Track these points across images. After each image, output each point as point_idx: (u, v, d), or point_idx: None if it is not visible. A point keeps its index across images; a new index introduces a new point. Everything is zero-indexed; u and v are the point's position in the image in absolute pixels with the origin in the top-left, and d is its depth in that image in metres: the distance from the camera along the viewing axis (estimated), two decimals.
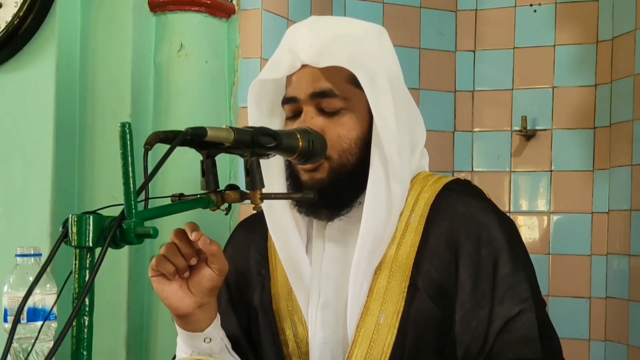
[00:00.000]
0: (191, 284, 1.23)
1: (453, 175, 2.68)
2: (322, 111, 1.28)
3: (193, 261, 1.21)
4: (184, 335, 1.29)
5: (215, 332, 1.30)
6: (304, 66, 1.29)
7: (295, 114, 1.31)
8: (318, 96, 1.27)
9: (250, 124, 1.30)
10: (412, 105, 1.38)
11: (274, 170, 1.34)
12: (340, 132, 1.28)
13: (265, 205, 1.34)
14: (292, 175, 1.33)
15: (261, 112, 1.35)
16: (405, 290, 1.27)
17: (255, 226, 1.45)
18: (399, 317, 1.27)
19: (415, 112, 1.39)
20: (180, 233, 1.20)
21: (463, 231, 1.28)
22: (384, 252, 1.29)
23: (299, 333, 1.34)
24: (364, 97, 1.28)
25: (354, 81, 1.27)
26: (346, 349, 1.29)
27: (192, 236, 1.18)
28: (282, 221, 1.34)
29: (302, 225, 1.36)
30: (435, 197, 1.32)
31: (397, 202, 1.29)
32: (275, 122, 1.36)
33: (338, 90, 1.27)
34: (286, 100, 1.31)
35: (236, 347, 1.38)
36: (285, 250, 1.35)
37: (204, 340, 1.29)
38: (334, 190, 1.28)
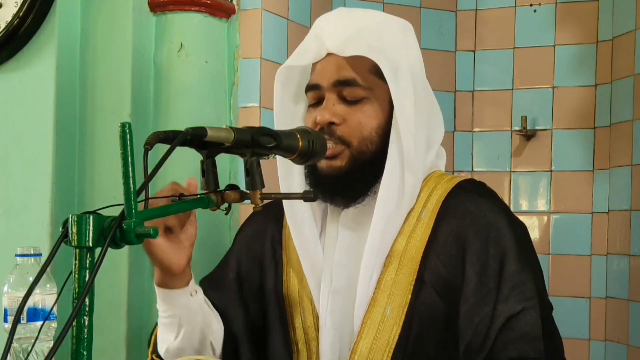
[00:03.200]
0: (184, 237, 1.23)
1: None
2: (344, 99, 1.31)
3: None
4: (170, 295, 1.28)
5: (197, 286, 1.32)
6: (329, 55, 1.32)
7: (318, 102, 1.34)
8: (341, 84, 1.31)
9: (275, 110, 1.37)
10: (433, 103, 1.41)
11: (294, 170, 1.36)
12: (361, 119, 1.30)
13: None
14: (312, 173, 1.35)
15: (287, 97, 1.38)
16: (412, 283, 1.28)
17: (272, 212, 1.47)
18: (405, 309, 1.28)
19: (436, 111, 1.41)
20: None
21: (472, 229, 1.29)
22: (392, 242, 1.30)
23: (307, 319, 1.35)
24: (386, 89, 1.30)
25: (376, 72, 1.30)
26: (352, 338, 1.30)
27: (187, 184, 1.19)
28: (299, 209, 1.36)
29: (318, 213, 1.38)
30: (447, 195, 1.34)
31: (408, 193, 1.30)
32: (300, 108, 1.40)
33: (361, 79, 1.31)
34: (309, 87, 1.35)
35: (233, 342, 1.38)
36: (299, 237, 1.37)
37: (191, 294, 1.29)
38: (351, 178, 1.30)
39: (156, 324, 1.35)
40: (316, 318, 1.34)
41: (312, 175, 1.33)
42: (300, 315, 1.36)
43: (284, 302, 1.38)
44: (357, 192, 1.32)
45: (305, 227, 1.36)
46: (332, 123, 1.29)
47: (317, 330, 1.34)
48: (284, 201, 1.39)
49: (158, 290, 1.28)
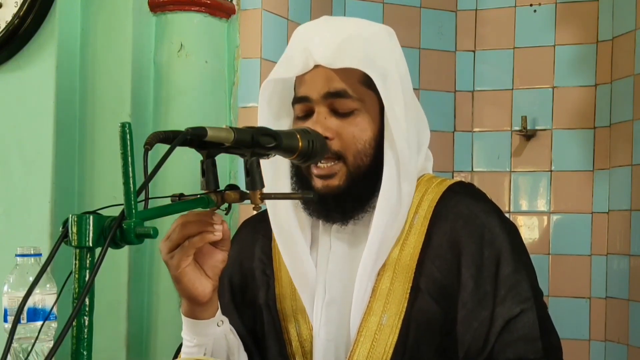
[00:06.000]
0: (207, 268, 1.21)
1: (453, 175, 2.69)
2: (334, 112, 1.28)
3: (218, 235, 1.17)
4: (197, 325, 1.27)
5: (222, 316, 1.31)
6: (317, 66, 1.29)
7: (306, 115, 1.30)
8: (332, 96, 1.28)
9: (259, 124, 1.30)
10: (418, 106, 1.39)
11: (281, 173, 1.34)
12: (354, 133, 1.28)
13: (270, 206, 1.35)
14: (300, 180, 1.32)
15: (270, 112, 1.35)
16: (408, 291, 1.28)
17: (260, 226, 1.45)
18: (402, 317, 1.27)
19: (421, 113, 1.40)
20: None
21: (466, 232, 1.28)
22: (388, 252, 1.30)
23: (303, 332, 1.34)
24: (375, 98, 1.29)
25: (366, 82, 1.28)
26: (349, 347, 1.29)
27: (217, 218, 1.16)
28: (286, 222, 1.34)
29: (307, 223, 1.36)
30: (438, 199, 1.33)
31: (405, 202, 1.29)
32: (284, 122, 1.36)
33: (352, 90, 1.28)
34: (298, 100, 1.31)
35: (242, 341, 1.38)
36: (288, 251, 1.34)
37: (217, 325, 1.28)
38: (349, 196, 1.28)
39: (177, 350, 1.35)
40: (312, 330, 1.33)
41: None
42: (295, 328, 1.35)
43: (278, 317, 1.37)
44: (355, 209, 1.30)
45: (295, 241, 1.33)
46: (325, 138, 1.26)
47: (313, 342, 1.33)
48: (270, 213, 1.36)
49: (185, 320, 1.27)
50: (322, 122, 1.27)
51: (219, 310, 1.29)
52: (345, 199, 1.28)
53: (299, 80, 1.32)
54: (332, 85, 1.27)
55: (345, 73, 1.27)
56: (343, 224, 1.32)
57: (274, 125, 1.32)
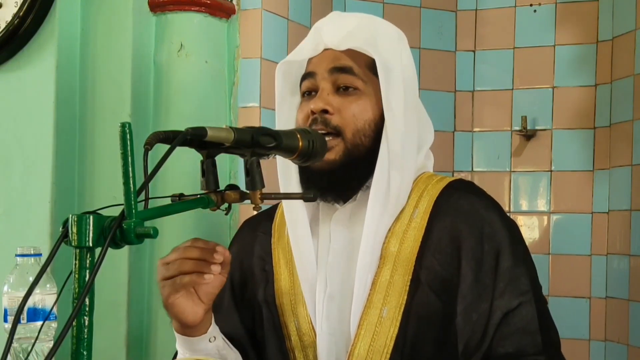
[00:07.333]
0: (202, 292, 1.22)
1: (453, 175, 2.69)
2: (338, 90, 1.32)
3: (216, 269, 1.19)
4: (189, 341, 1.28)
5: (216, 329, 1.31)
6: (326, 49, 1.34)
7: (311, 93, 1.34)
8: (337, 71, 1.32)
9: (277, 101, 1.38)
10: (422, 110, 1.42)
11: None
12: (355, 111, 1.31)
13: (285, 202, 1.39)
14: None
15: (286, 90, 1.40)
16: (408, 283, 1.28)
17: (259, 224, 1.47)
18: (402, 310, 1.28)
19: (425, 116, 1.43)
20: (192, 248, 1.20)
21: (466, 226, 1.29)
22: (382, 241, 1.30)
23: (302, 327, 1.34)
24: (379, 87, 1.31)
25: (372, 68, 1.32)
26: (349, 341, 1.30)
27: (218, 257, 1.18)
28: (297, 213, 1.35)
29: (308, 215, 1.37)
30: (438, 195, 1.34)
31: (394, 192, 1.30)
32: (296, 99, 1.40)
33: (357, 70, 1.32)
34: (304, 77, 1.36)
35: (238, 344, 1.38)
36: (297, 243, 1.36)
37: (209, 340, 1.29)
38: (345, 172, 1.30)
39: (177, 352, 1.35)
40: (311, 324, 1.34)
41: (305, 170, 1.32)
42: (294, 322, 1.35)
43: (277, 312, 1.37)
44: (350, 188, 1.32)
45: (301, 232, 1.35)
46: (326, 112, 1.30)
47: (313, 336, 1.33)
48: (284, 207, 1.38)
49: (177, 335, 1.29)
50: (325, 98, 1.31)
51: (212, 326, 1.30)
52: (341, 176, 1.30)
53: (309, 61, 1.37)
54: (339, 61, 1.32)
55: (353, 55, 1.32)
56: (336, 203, 1.33)
57: (289, 101, 1.39)
